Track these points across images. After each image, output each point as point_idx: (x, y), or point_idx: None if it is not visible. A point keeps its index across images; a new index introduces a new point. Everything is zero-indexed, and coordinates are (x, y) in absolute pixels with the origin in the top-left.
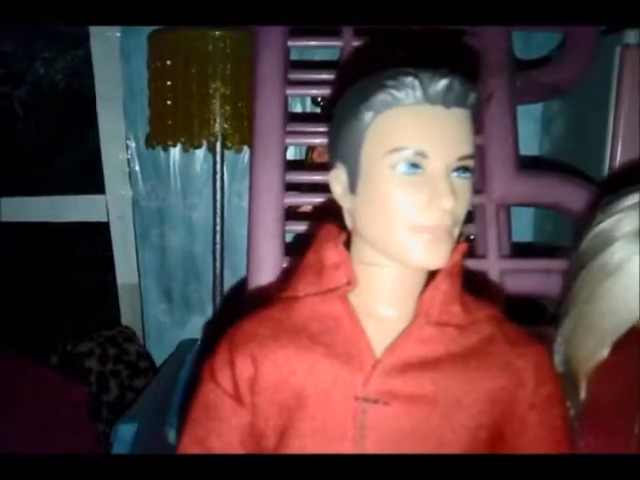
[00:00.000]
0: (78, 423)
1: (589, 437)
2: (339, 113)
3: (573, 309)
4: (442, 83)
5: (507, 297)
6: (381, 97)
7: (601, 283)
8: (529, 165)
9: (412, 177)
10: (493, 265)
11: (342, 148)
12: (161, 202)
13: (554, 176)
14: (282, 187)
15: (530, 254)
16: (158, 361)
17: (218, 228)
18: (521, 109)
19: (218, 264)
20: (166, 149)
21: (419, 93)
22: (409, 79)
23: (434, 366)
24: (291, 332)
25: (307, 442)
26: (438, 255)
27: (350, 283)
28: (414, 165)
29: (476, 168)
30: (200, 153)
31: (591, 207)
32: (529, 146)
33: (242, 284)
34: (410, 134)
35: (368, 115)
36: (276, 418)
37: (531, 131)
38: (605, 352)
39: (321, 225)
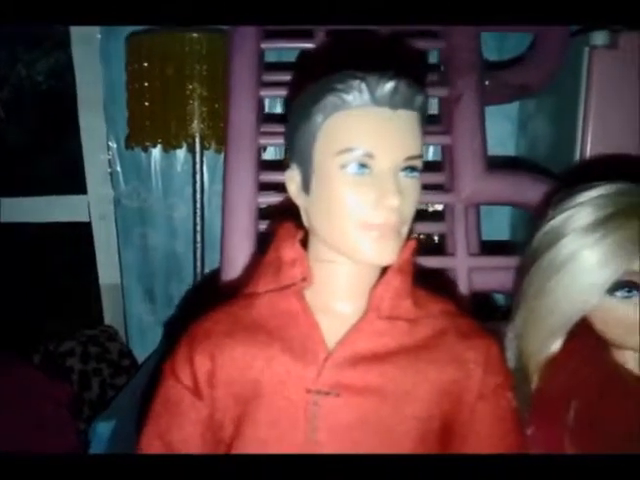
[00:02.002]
0: (61, 421)
1: (534, 426)
2: (293, 115)
3: (523, 304)
4: (388, 86)
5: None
6: (330, 100)
7: (549, 278)
8: (506, 165)
9: (360, 177)
10: (461, 262)
11: (296, 149)
12: (142, 202)
13: (522, 175)
14: (255, 187)
15: (506, 252)
16: (141, 360)
17: (199, 228)
18: (498, 109)
19: (199, 263)
20: (146, 150)
21: (366, 96)
22: (356, 82)
23: (384, 359)
24: (249, 328)
25: (261, 432)
26: (387, 252)
27: (306, 279)
28: (362, 165)
29: (445, 167)
30: (181, 154)
31: (545, 204)
32: (506, 146)
33: (213, 279)
34: (358, 136)
35: (318, 117)
36: (233, 410)
37: (508, 131)
38: (555, 346)
39: (280, 223)
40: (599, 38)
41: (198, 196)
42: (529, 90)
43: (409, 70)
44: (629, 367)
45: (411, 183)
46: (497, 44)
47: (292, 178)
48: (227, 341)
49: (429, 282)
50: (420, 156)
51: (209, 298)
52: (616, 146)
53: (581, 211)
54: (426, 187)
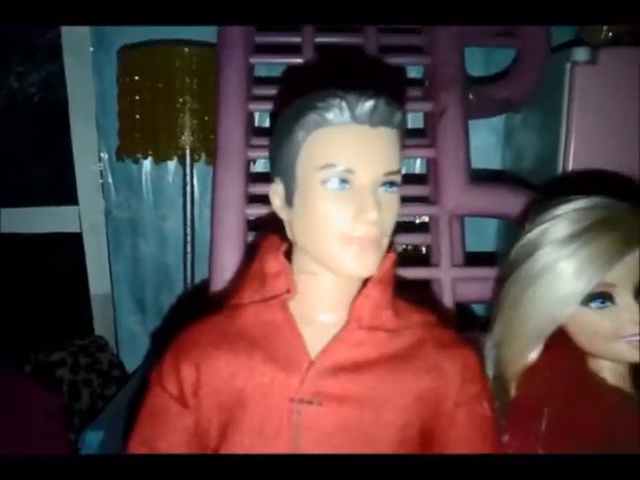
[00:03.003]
0: (52, 432)
1: (509, 433)
2: (276, 132)
3: (501, 314)
4: (368, 104)
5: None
6: (312, 118)
7: (526, 288)
8: (491, 178)
9: (341, 192)
10: (445, 273)
11: (279, 164)
12: (133, 213)
13: (505, 188)
14: (243, 199)
15: (491, 264)
16: (131, 370)
17: (189, 239)
18: (483, 123)
19: (189, 274)
20: (137, 161)
21: (347, 114)
22: (337, 101)
23: (365, 368)
24: (233, 338)
25: (246, 440)
26: (367, 264)
27: (290, 291)
28: (343, 181)
29: (430, 180)
30: (172, 165)
31: (524, 217)
32: (491, 159)
33: (203, 290)
34: (339, 152)
35: (300, 134)
36: (218, 418)
37: (493, 144)
38: (532, 356)
39: (265, 236)
40: (580, 54)
41: (188, 207)
42: (512, 104)
43: (393, 86)
44: (604, 376)
45: (390, 198)
46: (484, 57)
47: (276, 192)
48: (212, 351)
49: (415, 294)
50: (398, 172)
51: (198, 308)
52: (598, 160)
53: (557, 224)
54: (412, 199)
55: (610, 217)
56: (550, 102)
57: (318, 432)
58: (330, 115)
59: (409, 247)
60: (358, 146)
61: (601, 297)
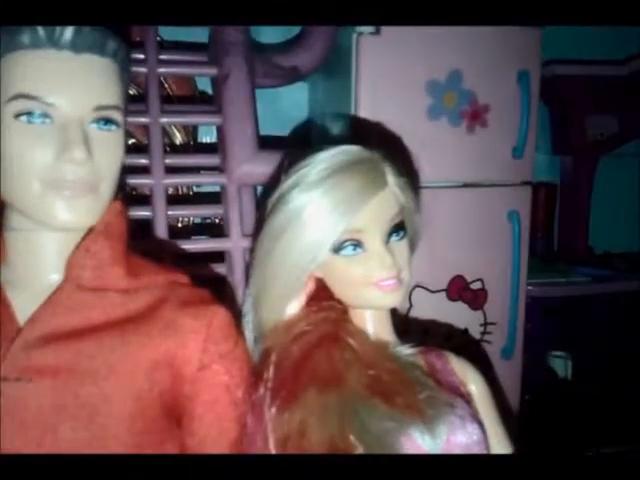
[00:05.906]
0: None
1: (252, 389)
2: None
3: (256, 271)
4: (69, 28)
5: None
6: (1, 38)
7: (276, 239)
8: (297, 145)
9: (39, 127)
10: (236, 244)
11: None
12: None
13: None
14: None
15: None
16: None
17: None
18: (287, 94)
19: None
20: None
21: (42, 34)
22: None
23: (85, 335)
24: None
25: None
26: (78, 213)
27: None
28: (42, 115)
29: (220, 148)
30: None
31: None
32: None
33: None
34: (32, 81)
35: None
36: None
37: (300, 114)
38: (288, 310)
39: None
40: (365, 26)
41: None
42: (300, 73)
43: None
44: (360, 325)
45: (107, 137)
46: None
47: None
48: None
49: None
50: (116, 107)
51: None
52: (383, 118)
53: (306, 173)
54: (206, 169)
55: (351, 162)
56: (343, 71)
57: (27, 412)
58: (21, 36)
59: (208, 220)
60: (57, 74)
61: (350, 244)
